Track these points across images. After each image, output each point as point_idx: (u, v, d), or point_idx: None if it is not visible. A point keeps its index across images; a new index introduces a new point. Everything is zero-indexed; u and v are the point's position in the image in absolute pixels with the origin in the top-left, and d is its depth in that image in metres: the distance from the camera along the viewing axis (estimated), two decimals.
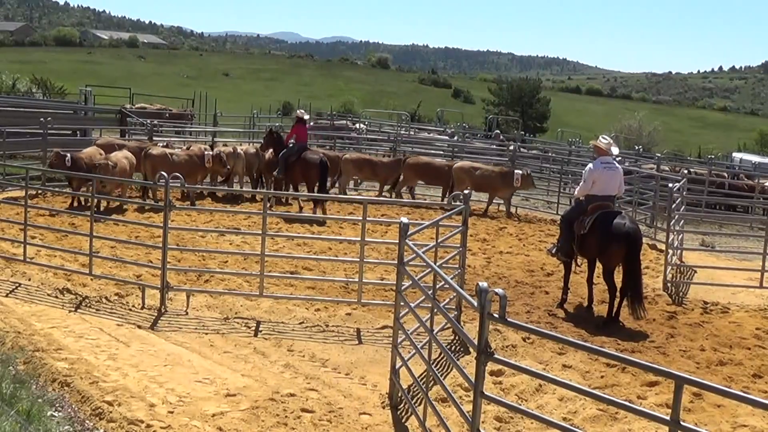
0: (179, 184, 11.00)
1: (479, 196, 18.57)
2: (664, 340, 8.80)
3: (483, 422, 5.80)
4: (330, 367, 7.49)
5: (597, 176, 9.72)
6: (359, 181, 20.33)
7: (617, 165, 10.19)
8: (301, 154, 15.95)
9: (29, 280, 9.75)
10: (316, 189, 15.72)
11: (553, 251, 10.39)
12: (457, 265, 8.84)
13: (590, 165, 10.03)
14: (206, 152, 16.49)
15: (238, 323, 8.64)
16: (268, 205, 10.78)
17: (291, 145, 16.22)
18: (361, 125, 29.96)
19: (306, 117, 17.00)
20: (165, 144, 17.48)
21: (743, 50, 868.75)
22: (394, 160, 19.12)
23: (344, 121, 32.95)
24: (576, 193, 10.18)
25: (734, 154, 38.98)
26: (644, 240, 14.23)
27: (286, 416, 6.23)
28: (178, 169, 14.50)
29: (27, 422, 5.41)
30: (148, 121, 20.43)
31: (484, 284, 4.50)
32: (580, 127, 53.42)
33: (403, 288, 6.76)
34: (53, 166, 14.28)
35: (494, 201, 18.16)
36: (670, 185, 12.97)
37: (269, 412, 6.26)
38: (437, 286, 6.52)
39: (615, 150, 10.10)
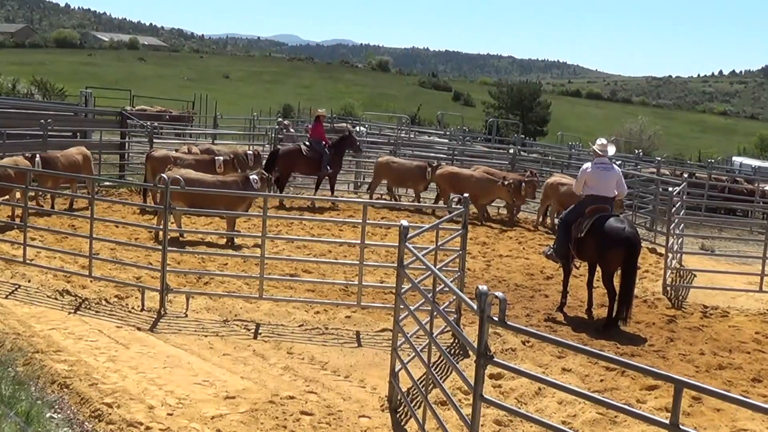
0: (179, 187, 10.97)
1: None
2: (664, 344, 8.80)
3: (482, 425, 5.80)
4: (329, 369, 7.49)
5: (589, 176, 9.89)
6: (359, 183, 20.31)
7: (613, 166, 10.24)
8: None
9: (29, 281, 9.74)
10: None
11: (548, 253, 10.41)
12: (456, 269, 8.84)
13: (585, 165, 10.21)
14: (217, 157, 16.25)
15: (237, 325, 8.64)
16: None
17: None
18: (362, 128, 29.93)
19: (318, 113, 19.44)
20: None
21: (743, 54, 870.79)
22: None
23: (344, 124, 32.92)
24: (573, 187, 10.39)
25: (734, 158, 39.05)
26: (644, 244, 14.25)
27: (285, 419, 6.23)
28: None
29: (26, 424, 5.41)
30: (149, 123, 20.40)
31: (483, 287, 4.50)
32: (580, 131, 53.42)
33: (402, 291, 6.76)
34: None
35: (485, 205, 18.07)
36: (670, 189, 13.01)
37: (268, 415, 6.26)
38: (437, 289, 6.53)
39: (611, 150, 10.18)
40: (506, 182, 16.10)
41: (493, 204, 17.86)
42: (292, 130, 25.45)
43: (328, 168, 17.77)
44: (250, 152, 17.11)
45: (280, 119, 28.08)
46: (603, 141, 10.28)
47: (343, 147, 18.34)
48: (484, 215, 16.90)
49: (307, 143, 17.97)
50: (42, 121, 17.15)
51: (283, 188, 17.79)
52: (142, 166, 16.84)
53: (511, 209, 17.06)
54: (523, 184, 16.22)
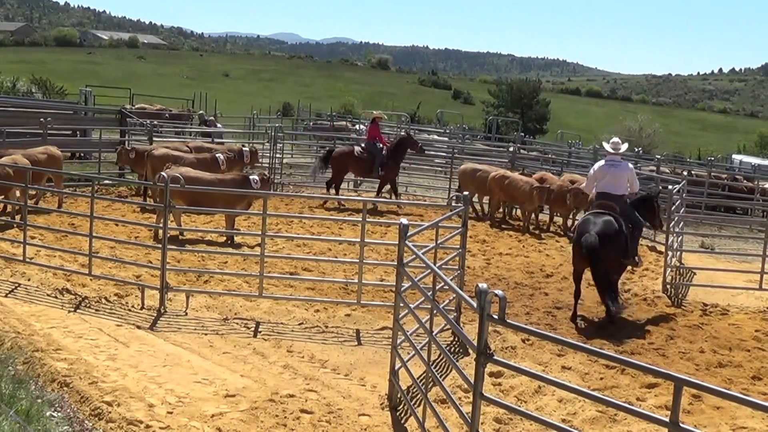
0: (179, 185, 10.97)
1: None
2: (664, 342, 8.80)
3: (482, 423, 5.80)
4: (329, 368, 7.49)
5: (597, 173, 10.05)
6: (359, 181, 20.28)
7: (624, 163, 10.28)
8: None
9: (29, 280, 9.74)
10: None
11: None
12: (456, 267, 8.84)
13: (597, 163, 10.38)
14: (218, 155, 16.09)
15: (237, 324, 8.64)
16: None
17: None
18: (361, 126, 29.94)
19: (374, 115, 18.84)
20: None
21: (743, 52, 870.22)
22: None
23: (344, 122, 32.91)
24: (584, 187, 10.57)
25: (734, 156, 39.08)
26: (644, 242, 14.23)
27: (285, 417, 6.23)
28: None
29: (26, 422, 5.41)
30: (148, 121, 20.38)
31: (483, 285, 4.50)
32: (580, 129, 53.54)
33: (402, 289, 6.76)
34: None
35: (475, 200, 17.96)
36: (670, 187, 13.01)
37: (268, 413, 6.26)
38: (437, 288, 6.52)
39: (622, 148, 10.28)
40: (533, 186, 15.50)
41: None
42: (219, 125, 25.45)
43: (381, 170, 17.47)
44: (246, 149, 17.10)
45: (201, 112, 27.94)
46: (616, 139, 10.52)
47: (403, 149, 17.87)
48: (483, 213, 16.88)
49: (362, 144, 17.88)
50: (42, 119, 17.16)
51: (338, 189, 17.79)
52: None
53: (551, 216, 16.78)
54: (569, 194, 15.31)
